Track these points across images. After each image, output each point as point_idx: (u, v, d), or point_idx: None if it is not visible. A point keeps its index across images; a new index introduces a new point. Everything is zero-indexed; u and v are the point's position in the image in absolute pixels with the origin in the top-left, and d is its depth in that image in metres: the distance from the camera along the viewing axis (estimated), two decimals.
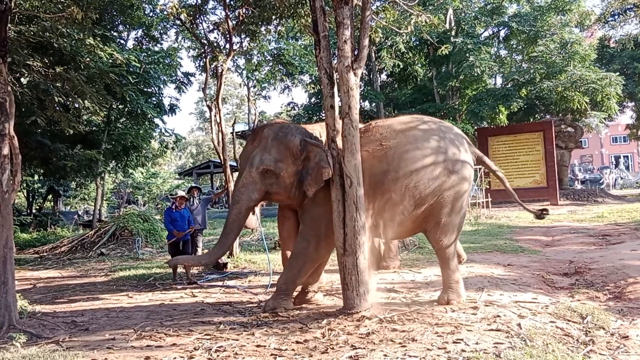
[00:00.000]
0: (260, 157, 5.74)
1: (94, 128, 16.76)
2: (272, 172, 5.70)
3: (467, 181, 5.75)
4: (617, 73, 21.06)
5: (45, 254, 13.33)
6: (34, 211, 21.72)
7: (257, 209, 8.03)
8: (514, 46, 24.15)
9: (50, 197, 23.84)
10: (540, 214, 6.72)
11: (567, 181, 24.94)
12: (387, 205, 5.60)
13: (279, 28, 10.55)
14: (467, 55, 20.89)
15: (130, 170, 22.34)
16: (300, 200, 5.83)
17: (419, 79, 26.31)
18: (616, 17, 21.75)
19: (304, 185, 5.65)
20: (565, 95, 20.16)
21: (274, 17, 9.03)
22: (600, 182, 31.18)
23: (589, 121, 24.48)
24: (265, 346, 4.53)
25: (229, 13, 9.62)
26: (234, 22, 9.79)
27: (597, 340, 4.35)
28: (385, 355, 4.08)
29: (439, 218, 5.65)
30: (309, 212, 5.83)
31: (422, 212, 5.65)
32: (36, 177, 20.97)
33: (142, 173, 27.24)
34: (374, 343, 4.38)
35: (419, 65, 25.59)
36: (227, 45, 10.10)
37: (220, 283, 8.06)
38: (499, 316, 5.03)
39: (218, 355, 4.35)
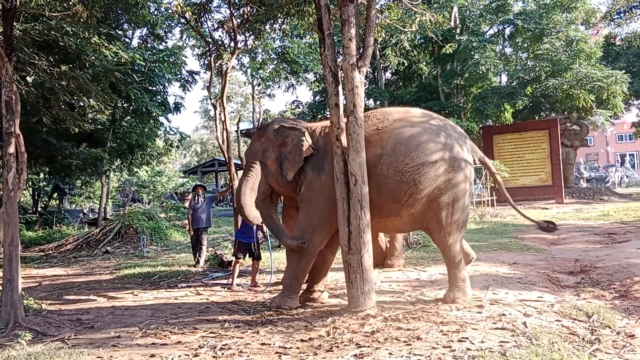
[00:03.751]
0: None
1: (99, 126, 16.80)
2: (263, 163, 6.16)
3: (467, 179, 5.67)
4: (623, 71, 20.96)
5: (50, 252, 13.38)
6: (39, 209, 21.78)
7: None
8: (519, 44, 24.05)
9: (55, 195, 23.90)
10: (547, 227, 6.55)
11: (572, 179, 24.85)
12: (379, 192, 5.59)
13: (284, 26, 10.52)
14: (472, 53, 20.83)
15: (135, 169, 22.38)
16: (293, 188, 6.04)
17: (423, 77, 26.25)
18: (622, 14, 21.65)
19: (283, 169, 5.95)
20: (570, 93, 20.07)
21: (280, 15, 9.01)
22: (606, 180, 31.09)
23: (595, 119, 24.36)
24: (269, 344, 4.53)
25: (233, 11, 9.61)
26: (239, 21, 9.78)
27: (603, 339, 4.34)
28: (390, 353, 4.07)
29: (439, 216, 5.59)
30: (306, 200, 5.94)
31: (420, 206, 5.59)
32: (42, 176, 21.04)
33: (147, 171, 27.27)
34: (379, 341, 4.37)
35: (424, 63, 25.54)
36: (232, 44, 10.10)
37: (225, 281, 8.07)
38: (504, 315, 5.01)
39: (223, 353, 4.36)
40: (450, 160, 5.53)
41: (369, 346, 4.27)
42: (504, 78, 26.65)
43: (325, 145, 5.93)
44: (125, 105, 16.39)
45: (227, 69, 10.32)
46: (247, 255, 8.02)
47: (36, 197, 22.75)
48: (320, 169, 5.82)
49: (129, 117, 17.53)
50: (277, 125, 6.21)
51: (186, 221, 11.79)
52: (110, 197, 23.74)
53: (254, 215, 7.23)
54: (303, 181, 5.92)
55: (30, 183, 20.42)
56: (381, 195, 5.48)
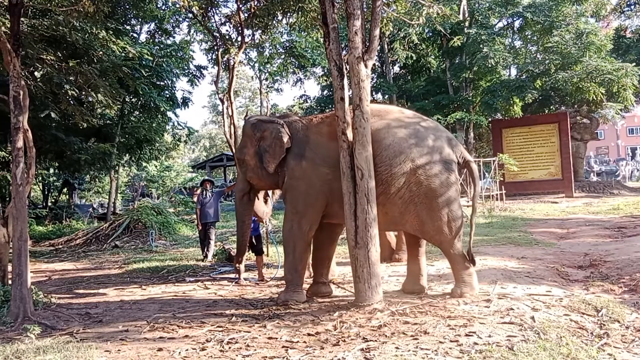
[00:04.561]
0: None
1: (108, 121, 16.87)
2: (241, 160, 6.28)
3: (448, 181, 5.51)
4: (634, 63, 20.70)
5: (60, 246, 13.48)
6: (49, 204, 21.93)
7: (270, 203, 8.02)
8: (529, 37, 23.86)
9: (65, 190, 24.06)
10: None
11: (582, 173, 24.66)
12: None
13: (291, 20, 10.48)
14: (481, 46, 20.70)
15: (144, 164, 22.50)
16: (275, 180, 6.11)
17: (432, 71, 26.12)
18: (632, 7, 21.44)
19: (264, 162, 5.99)
20: (580, 86, 19.91)
21: (279, 12, 8.99)
22: (616, 174, 30.86)
23: (605, 112, 24.14)
24: (276, 338, 4.54)
25: (240, 5, 9.59)
26: (246, 15, 9.76)
27: (611, 334, 4.30)
28: (397, 347, 4.06)
29: (421, 218, 5.52)
30: (289, 190, 5.97)
31: (394, 207, 5.55)
32: (52, 171, 21.16)
33: (155, 166, 27.38)
34: (386, 336, 4.37)
35: (432, 56, 25.40)
36: (239, 38, 10.08)
37: (233, 275, 8.08)
38: (512, 309, 4.98)
39: (230, 347, 4.37)
40: (429, 162, 5.46)
41: (375, 340, 4.26)
42: (513, 71, 26.48)
43: (306, 135, 5.95)
44: (133, 100, 16.45)
45: (235, 63, 10.31)
46: (249, 249, 8.01)
47: (46, 192, 22.91)
48: (302, 157, 5.83)
49: (137, 112, 17.60)
50: (254, 121, 6.29)
51: (194, 216, 11.83)
52: (119, 191, 23.85)
53: (262, 210, 7.24)
54: (285, 172, 5.94)
55: (40, 178, 20.55)
56: None
